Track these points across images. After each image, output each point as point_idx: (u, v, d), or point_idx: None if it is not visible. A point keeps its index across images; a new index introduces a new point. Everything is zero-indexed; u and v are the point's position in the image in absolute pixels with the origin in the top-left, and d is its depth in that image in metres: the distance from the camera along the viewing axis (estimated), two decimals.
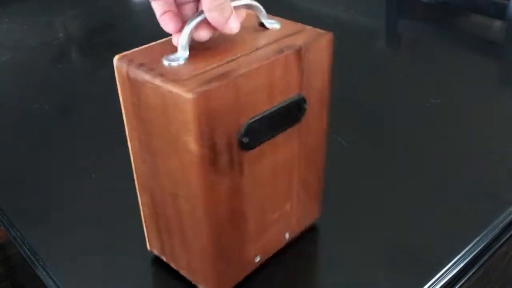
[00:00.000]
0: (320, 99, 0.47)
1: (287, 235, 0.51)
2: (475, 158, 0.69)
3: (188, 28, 0.40)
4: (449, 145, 0.71)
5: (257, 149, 0.42)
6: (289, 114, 0.44)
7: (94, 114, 0.77)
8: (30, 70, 0.98)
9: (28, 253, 0.56)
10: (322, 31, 0.44)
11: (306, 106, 0.45)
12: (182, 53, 0.41)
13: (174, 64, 0.40)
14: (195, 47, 0.42)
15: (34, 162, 0.71)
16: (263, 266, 0.51)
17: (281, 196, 0.48)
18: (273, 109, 0.42)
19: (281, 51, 0.41)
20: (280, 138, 0.44)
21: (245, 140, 0.40)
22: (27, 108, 0.84)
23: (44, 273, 0.53)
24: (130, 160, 0.47)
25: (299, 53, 0.42)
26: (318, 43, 0.43)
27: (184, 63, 0.40)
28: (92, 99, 0.85)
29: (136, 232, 0.57)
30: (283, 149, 0.45)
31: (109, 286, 0.52)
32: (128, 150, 0.46)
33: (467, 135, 0.74)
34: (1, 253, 0.67)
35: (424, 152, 0.70)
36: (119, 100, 0.44)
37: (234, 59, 0.40)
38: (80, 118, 0.81)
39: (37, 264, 0.54)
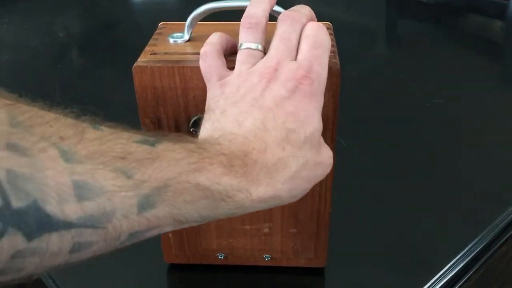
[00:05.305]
0: None
1: (266, 257, 0.51)
2: (475, 158, 0.69)
3: (193, 14, 0.42)
4: (449, 145, 0.71)
5: None
6: None
7: (94, 114, 0.77)
8: (30, 70, 0.98)
9: None
10: (332, 61, 0.40)
11: None
12: (185, 35, 0.44)
13: (171, 41, 0.43)
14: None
15: None
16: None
17: (254, 212, 0.47)
18: None
19: None
20: None
21: (193, 131, 0.43)
22: None
23: (44, 272, 0.53)
24: None
25: None
26: None
27: (182, 44, 0.43)
28: (92, 99, 0.85)
29: None
30: None
31: (110, 285, 0.52)
32: None
33: (467, 135, 0.74)
34: None
35: (424, 152, 0.70)
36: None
37: None
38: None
39: None
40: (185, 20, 0.43)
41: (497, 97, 0.85)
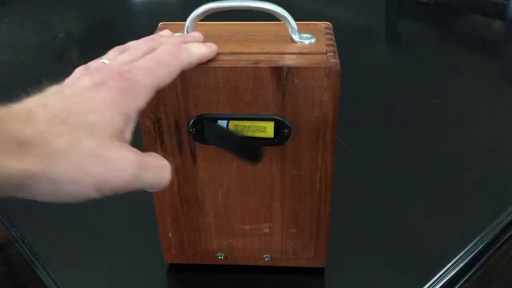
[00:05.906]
0: (315, 133, 0.43)
1: (266, 257, 0.51)
2: (475, 157, 0.69)
3: (192, 14, 0.43)
4: (450, 145, 0.71)
5: (215, 148, 0.44)
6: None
7: None
8: (30, 70, 0.98)
9: (28, 253, 0.56)
10: (332, 61, 0.40)
11: (288, 132, 0.43)
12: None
13: None
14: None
15: None
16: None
17: (254, 212, 0.48)
18: (234, 116, 0.42)
19: (256, 62, 0.40)
20: None
21: (193, 130, 0.43)
22: None
23: (44, 273, 0.53)
24: None
25: (277, 72, 0.40)
26: (311, 71, 0.40)
27: None
28: None
29: (137, 234, 0.57)
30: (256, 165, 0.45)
31: (110, 285, 0.52)
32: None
33: (467, 135, 0.74)
34: (1, 253, 0.67)
35: (424, 152, 0.70)
36: None
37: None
38: None
39: (37, 264, 0.55)
40: (185, 20, 0.43)
41: (497, 97, 0.85)
